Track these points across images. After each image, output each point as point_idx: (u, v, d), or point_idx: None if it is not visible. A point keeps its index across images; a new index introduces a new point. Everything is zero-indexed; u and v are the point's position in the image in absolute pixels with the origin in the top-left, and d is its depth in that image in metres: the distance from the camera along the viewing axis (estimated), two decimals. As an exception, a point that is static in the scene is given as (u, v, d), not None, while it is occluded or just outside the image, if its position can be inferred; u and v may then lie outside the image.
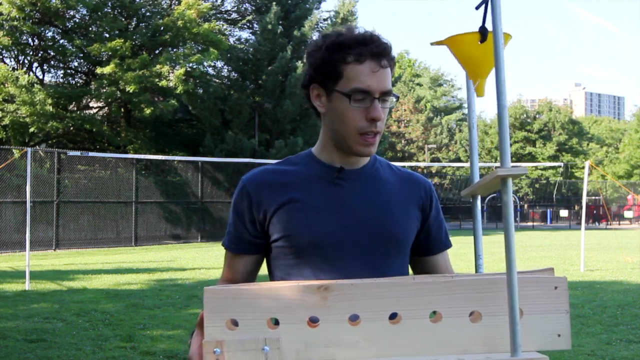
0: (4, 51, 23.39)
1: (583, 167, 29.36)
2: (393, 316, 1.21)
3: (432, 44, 1.70)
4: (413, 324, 1.21)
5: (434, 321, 1.22)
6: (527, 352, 1.20)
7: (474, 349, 1.22)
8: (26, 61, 24.47)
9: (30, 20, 21.94)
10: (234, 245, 1.56)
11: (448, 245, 1.68)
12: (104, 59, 22.43)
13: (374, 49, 1.46)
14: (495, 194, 43.87)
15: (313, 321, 1.20)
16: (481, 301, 1.23)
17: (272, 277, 1.56)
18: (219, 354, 1.15)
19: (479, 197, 1.76)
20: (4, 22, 21.09)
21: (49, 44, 23.83)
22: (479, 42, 1.45)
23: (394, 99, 1.51)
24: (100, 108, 26.47)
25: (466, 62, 1.61)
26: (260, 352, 1.16)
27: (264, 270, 1.62)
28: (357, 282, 1.22)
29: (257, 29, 27.40)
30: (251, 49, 26.57)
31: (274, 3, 25.46)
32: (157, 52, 24.82)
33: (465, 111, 59.21)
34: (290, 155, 1.64)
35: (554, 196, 47.01)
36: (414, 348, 1.21)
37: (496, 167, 1.19)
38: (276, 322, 1.19)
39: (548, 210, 48.24)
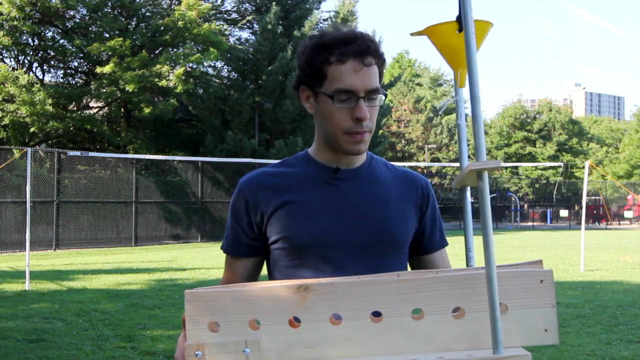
0: (4, 51, 23.37)
1: (583, 167, 29.36)
2: (376, 314, 1.20)
3: (411, 34, 1.69)
4: (395, 322, 1.20)
5: (416, 319, 1.20)
6: (510, 348, 1.18)
7: (456, 346, 1.20)
8: (26, 61, 24.46)
9: (30, 20, 21.93)
10: (232, 248, 1.56)
11: (443, 244, 1.67)
12: (103, 59, 22.42)
13: (356, 48, 1.44)
14: (495, 194, 43.91)
15: (298, 321, 1.19)
16: (465, 297, 1.21)
17: (271, 279, 1.56)
18: (200, 357, 1.15)
19: (469, 189, 1.76)
20: (4, 22, 21.08)
21: (49, 44, 23.81)
22: (457, 32, 1.43)
23: (382, 97, 1.48)
24: (100, 108, 26.44)
25: (446, 51, 1.60)
26: (242, 354, 1.16)
27: (264, 271, 1.62)
28: (338, 281, 1.21)
29: (257, 29, 27.39)
30: (251, 49, 26.56)
31: (274, 3, 25.46)
32: (157, 52, 24.81)
33: (466, 111, 59.15)
34: (287, 157, 1.64)
35: (554, 196, 46.99)
36: (397, 346, 1.20)
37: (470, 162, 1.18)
38: (258, 323, 1.19)
39: (548, 210, 48.24)
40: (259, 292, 1.19)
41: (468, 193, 1.77)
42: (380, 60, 1.48)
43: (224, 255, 1.61)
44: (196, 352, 1.16)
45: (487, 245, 1.14)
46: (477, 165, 1.14)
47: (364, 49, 1.44)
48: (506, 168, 47.17)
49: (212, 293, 1.18)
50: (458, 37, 1.38)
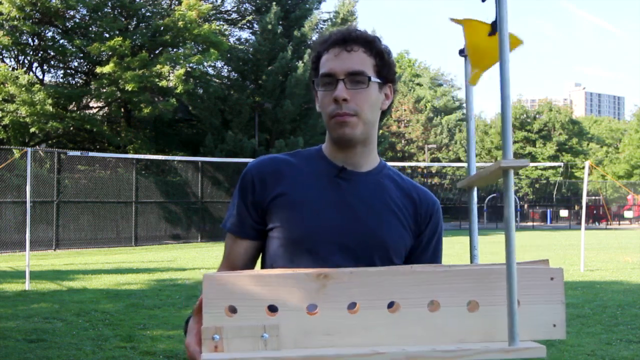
0: (4, 51, 23.38)
1: (583, 167, 29.36)
2: (391, 305, 1.21)
3: (451, 19, 1.72)
4: (411, 312, 1.21)
5: (431, 310, 1.22)
6: (524, 341, 1.20)
7: (471, 338, 1.23)
8: (26, 61, 24.46)
9: (30, 20, 21.93)
10: (236, 228, 1.57)
11: None
12: (103, 59, 22.43)
13: (338, 36, 1.50)
14: (495, 194, 43.92)
15: (311, 310, 1.20)
16: (479, 291, 1.23)
17: (263, 264, 1.59)
18: (217, 340, 1.15)
19: (475, 189, 1.77)
20: (4, 22, 21.08)
21: (49, 44, 23.81)
22: (488, 35, 1.46)
23: (368, 80, 1.48)
24: (100, 108, 26.45)
25: (473, 48, 1.62)
26: (259, 339, 1.16)
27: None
28: (356, 271, 1.22)
29: (257, 29, 27.40)
30: (251, 49, 26.58)
31: (274, 3, 25.47)
32: (157, 52, 24.82)
33: (465, 111, 59.27)
34: (301, 149, 1.67)
35: (554, 196, 47.03)
36: (412, 337, 1.21)
37: (498, 160, 1.20)
38: (275, 309, 1.19)
39: (548, 210, 48.28)
40: (278, 278, 1.20)
41: (474, 193, 1.78)
42: (371, 49, 1.50)
43: (225, 240, 1.62)
44: (213, 335, 1.15)
45: (509, 241, 1.16)
46: (507, 163, 1.15)
47: (345, 35, 1.50)
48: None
49: (231, 277, 1.19)
50: (487, 38, 1.43)
